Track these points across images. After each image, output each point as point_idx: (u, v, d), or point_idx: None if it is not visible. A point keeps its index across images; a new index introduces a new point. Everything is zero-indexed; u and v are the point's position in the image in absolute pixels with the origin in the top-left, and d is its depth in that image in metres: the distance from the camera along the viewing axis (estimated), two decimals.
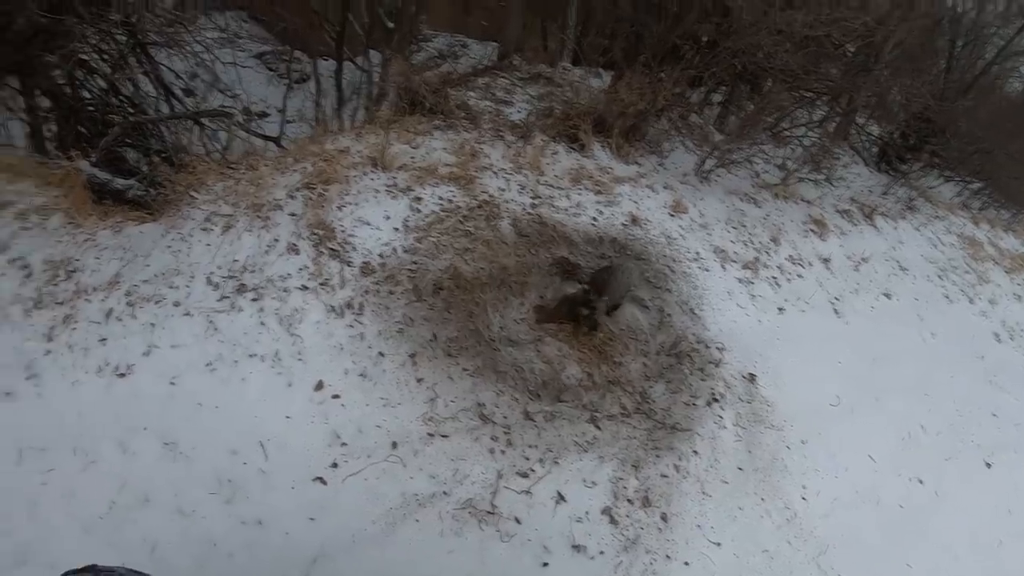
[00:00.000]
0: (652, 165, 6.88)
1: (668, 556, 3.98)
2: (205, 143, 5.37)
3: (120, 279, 4.11)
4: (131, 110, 5.41)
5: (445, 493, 3.85)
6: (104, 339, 3.85)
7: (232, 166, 4.98)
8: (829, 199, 7.64)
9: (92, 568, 2.30)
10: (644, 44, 7.45)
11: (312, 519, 3.54)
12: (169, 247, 4.32)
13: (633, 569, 3.86)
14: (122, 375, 3.75)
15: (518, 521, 3.86)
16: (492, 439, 4.15)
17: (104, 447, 3.50)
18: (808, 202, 7.40)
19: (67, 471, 3.38)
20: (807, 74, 7.37)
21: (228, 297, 4.18)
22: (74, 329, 3.85)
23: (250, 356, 3.98)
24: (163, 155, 5.03)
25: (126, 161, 4.82)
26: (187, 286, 4.16)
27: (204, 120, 5.31)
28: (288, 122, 6.23)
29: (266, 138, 5.53)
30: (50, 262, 4.10)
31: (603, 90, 7.27)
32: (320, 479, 3.71)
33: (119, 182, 4.51)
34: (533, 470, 4.10)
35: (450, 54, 7.79)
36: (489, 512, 3.84)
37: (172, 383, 3.80)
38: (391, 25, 7.00)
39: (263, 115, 6.08)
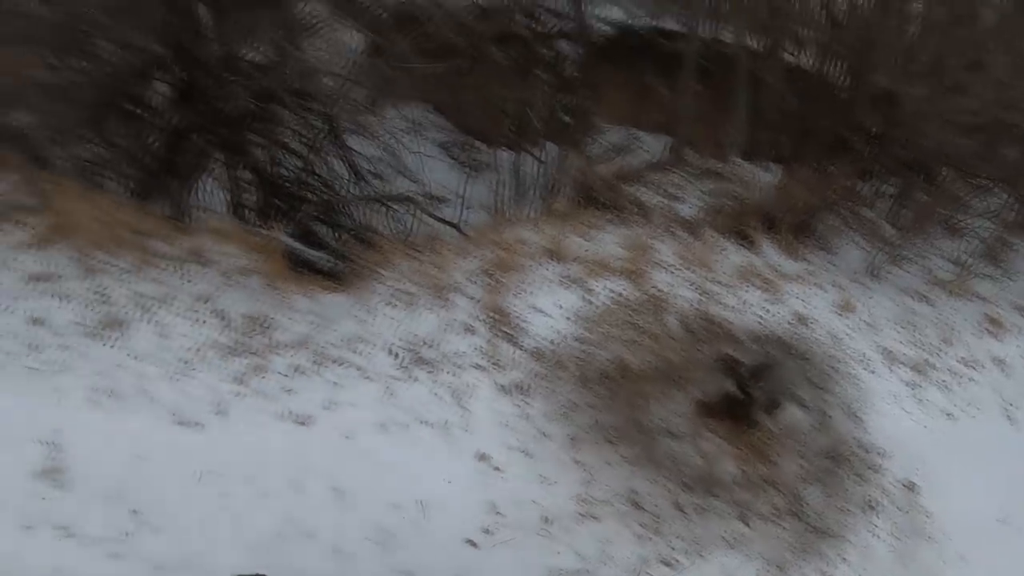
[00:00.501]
0: (821, 262, 6.75)
1: None
2: (390, 224, 5.86)
3: (309, 339, 4.58)
4: (324, 189, 6.01)
5: (588, 572, 3.95)
6: (289, 390, 4.28)
7: (417, 248, 5.41)
8: (1007, 295, 7.15)
9: None
10: (813, 137, 7.39)
11: None
12: (355, 316, 4.77)
13: None
14: (302, 423, 4.15)
15: None
16: (641, 526, 4.22)
17: (277, 483, 3.88)
18: (984, 299, 6.96)
19: (240, 497, 3.78)
20: (982, 160, 7.01)
21: (406, 367, 4.54)
22: (263, 377, 4.31)
23: (421, 422, 4.29)
24: (352, 232, 5.56)
25: (316, 235, 5.35)
26: (369, 353, 4.57)
27: (391, 203, 5.82)
28: (467, 208, 6.68)
29: (447, 223, 5.94)
30: (248, 317, 4.66)
31: (773, 185, 7.25)
32: (472, 542, 3.92)
33: (312, 253, 5.04)
34: (678, 560, 4.12)
35: (624, 147, 7.97)
36: None
37: (347, 437, 4.16)
38: (567, 119, 7.37)
39: (443, 200, 6.50)
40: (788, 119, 7.73)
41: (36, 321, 4.60)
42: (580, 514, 4.15)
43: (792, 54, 8.21)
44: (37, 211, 5.56)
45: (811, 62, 8.32)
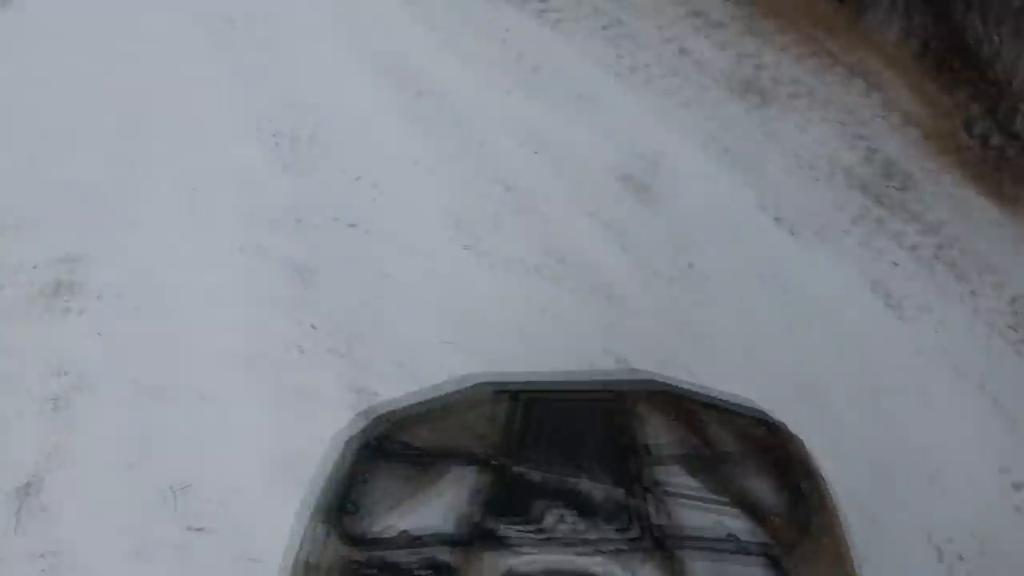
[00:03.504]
0: None
1: None
2: None
3: (941, 227, 3.82)
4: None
5: None
6: (895, 264, 3.63)
7: None
8: None
9: None
10: None
11: None
12: (998, 239, 3.79)
13: None
14: (889, 305, 3.50)
15: None
16: None
17: None
18: None
19: None
20: None
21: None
22: (875, 230, 3.75)
23: None
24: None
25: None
26: (983, 283, 3.65)
27: None
28: None
29: None
30: (889, 163, 4.07)
31: None
32: None
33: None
34: None
35: None
36: None
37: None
38: None
39: None
40: None
41: (683, 52, 4.51)
42: None
43: None
44: None
45: None
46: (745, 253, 3.60)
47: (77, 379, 4.17)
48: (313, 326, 3.84)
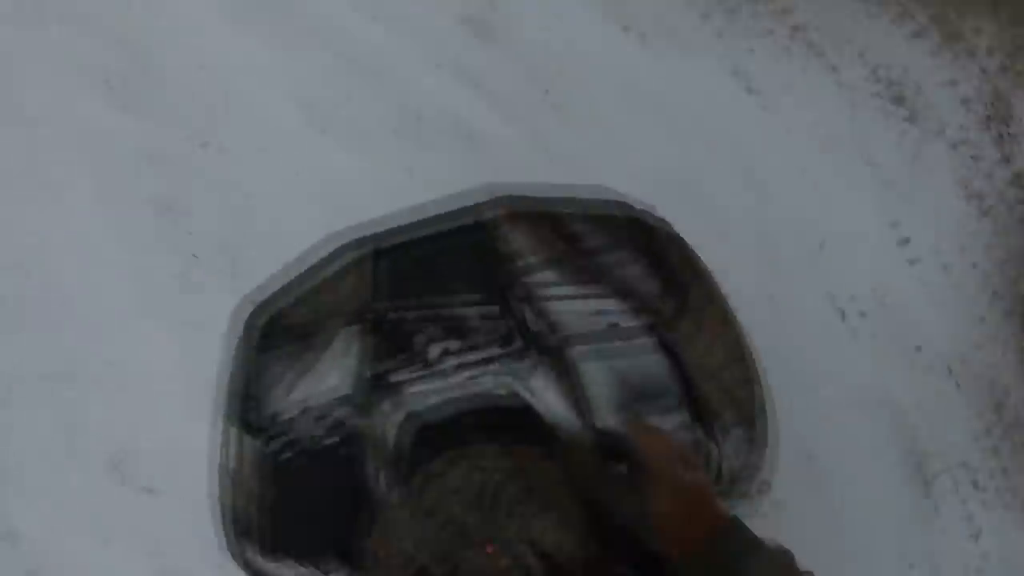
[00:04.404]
0: None
1: None
2: None
3: None
4: None
5: None
6: None
7: None
8: None
9: None
10: None
11: None
12: None
13: None
14: None
15: None
16: None
17: None
18: None
19: None
20: None
21: None
22: None
23: None
24: None
25: None
26: None
27: None
28: None
29: None
30: None
31: None
32: None
33: None
34: None
35: None
36: None
37: None
38: None
39: None
40: None
41: None
42: None
43: None
44: None
45: None
46: (599, 70, 3.37)
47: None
48: (195, 255, 3.67)
